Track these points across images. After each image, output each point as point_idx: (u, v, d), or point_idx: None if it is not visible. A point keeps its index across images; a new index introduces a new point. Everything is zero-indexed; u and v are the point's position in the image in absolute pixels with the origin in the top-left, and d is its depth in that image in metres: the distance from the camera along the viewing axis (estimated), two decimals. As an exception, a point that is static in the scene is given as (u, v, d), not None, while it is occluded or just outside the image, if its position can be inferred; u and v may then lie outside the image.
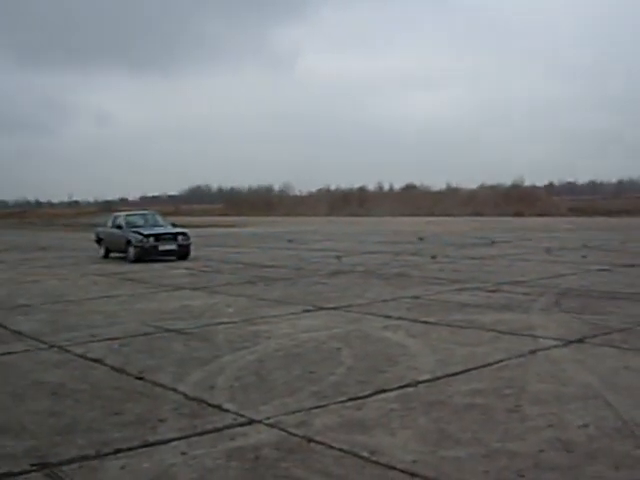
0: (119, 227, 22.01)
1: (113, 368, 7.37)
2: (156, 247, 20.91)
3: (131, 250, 20.86)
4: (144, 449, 4.90)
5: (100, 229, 24.10)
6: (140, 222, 22.40)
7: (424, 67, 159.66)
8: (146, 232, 21.08)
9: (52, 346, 8.62)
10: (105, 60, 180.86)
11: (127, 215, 23.15)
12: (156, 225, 22.39)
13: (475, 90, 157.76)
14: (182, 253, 21.42)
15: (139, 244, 20.70)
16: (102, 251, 23.16)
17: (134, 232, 21.16)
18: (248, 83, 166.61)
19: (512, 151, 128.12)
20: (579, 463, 4.51)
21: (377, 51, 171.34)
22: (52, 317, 10.85)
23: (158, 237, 21.12)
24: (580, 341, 8.10)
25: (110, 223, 22.99)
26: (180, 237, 21.55)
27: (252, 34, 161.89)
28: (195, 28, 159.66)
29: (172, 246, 21.23)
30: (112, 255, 22.78)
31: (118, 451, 4.86)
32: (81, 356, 7.99)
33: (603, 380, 6.39)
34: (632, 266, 16.13)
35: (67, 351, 8.30)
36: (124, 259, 21.38)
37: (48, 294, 13.75)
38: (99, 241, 23.63)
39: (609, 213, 47.06)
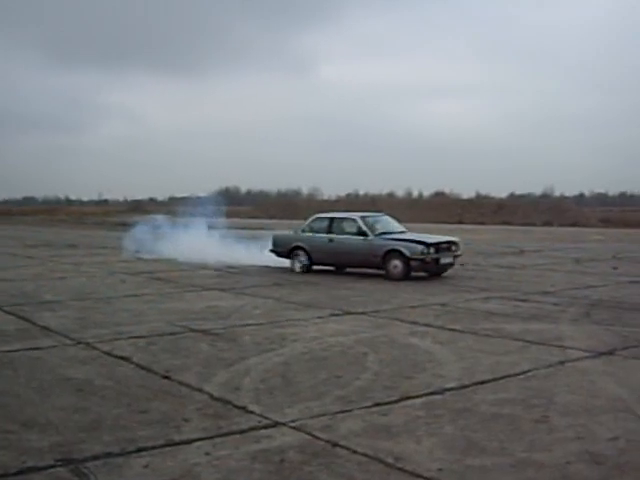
0: (362, 234, 16.45)
1: (139, 366, 7.40)
2: (437, 260, 15.99)
3: (399, 264, 15.70)
4: (168, 448, 4.90)
5: (291, 234, 18.41)
6: (385, 228, 17.28)
7: (450, 75, 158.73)
8: (428, 240, 16.10)
9: (79, 342, 8.68)
10: (134, 61, 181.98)
11: (364, 217, 17.32)
12: (399, 231, 17.41)
13: (504, 99, 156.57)
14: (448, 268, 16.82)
15: (419, 257, 15.61)
16: (298, 264, 17.63)
17: (401, 240, 16.10)
18: (275, 86, 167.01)
19: (542, 161, 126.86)
20: (608, 476, 4.44)
21: (402, 57, 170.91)
22: (79, 314, 10.93)
23: (438, 247, 16.15)
24: (610, 353, 7.99)
25: (321, 227, 17.53)
26: (453, 247, 16.76)
27: (279, 37, 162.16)
28: (223, 31, 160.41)
29: (449, 259, 16.44)
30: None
31: (142, 449, 4.87)
32: (108, 353, 8.03)
33: (633, 393, 6.30)
34: (664, 279, 15.88)
35: (94, 348, 8.35)
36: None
37: (76, 291, 13.86)
38: (290, 251, 17.85)
39: (640, 225, 46.41)
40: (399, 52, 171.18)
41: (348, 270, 17.31)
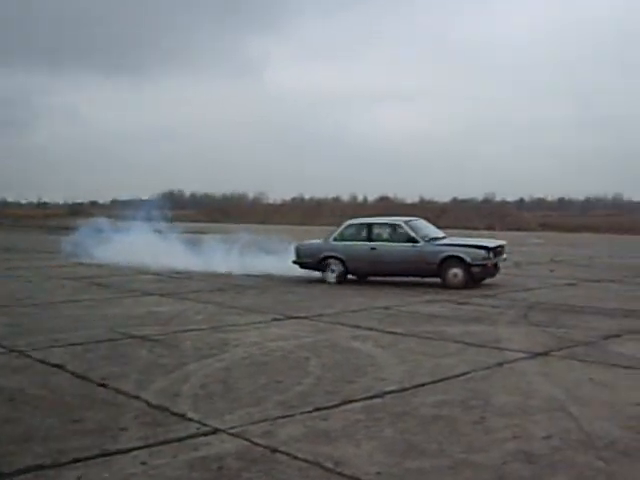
0: (410, 240, 15.20)
1: (75, 374, 7.22)
2: (496, 265, 15.38)
3: (459, 272, 14.64)
4: (103, 458, 4.79)
5: (320, 243, 16.60)
6: (429, 233, 15.93)
7: (394, 80, 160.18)
8: (489, 245, 15.23)
9: (12, 350, 8.44)
10: (77, 61, 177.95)
11: (408, 222, 15.99)
12: (442, 236, 16.14)
13: (447, 105, 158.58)
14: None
15: (481, 262, 14.64)
16: (332, 275, 15.97)
17: (458, 246, 15.13)
18: (222, 89, 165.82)
19: (484, 167, 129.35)
20: (541, 474, 4.52)
21: (348, 63, 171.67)
22: (13, 320, 10.64)
23: (496, 251, 15.29)
24: (546, 354, 8.14)
25: (357, 234, 16.04)
26: (503, 250, 15.99)
27: (227, 42, 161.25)
28: (170, 33, 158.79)
29: (501, 262, 15.89)
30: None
31: (76, 460, 4.74)
32: (42, 361, 7.82)
33: (567, 392, 6.43)
34: (598, 281, 16.32)
35: (27, 356, 8.13)
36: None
37: (11, 297, 13.49)
38: (321, 262, 16.19)
39: (577, 229, 47.69)
40: (345, 57, 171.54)
41: (293, 274, 17.10)
